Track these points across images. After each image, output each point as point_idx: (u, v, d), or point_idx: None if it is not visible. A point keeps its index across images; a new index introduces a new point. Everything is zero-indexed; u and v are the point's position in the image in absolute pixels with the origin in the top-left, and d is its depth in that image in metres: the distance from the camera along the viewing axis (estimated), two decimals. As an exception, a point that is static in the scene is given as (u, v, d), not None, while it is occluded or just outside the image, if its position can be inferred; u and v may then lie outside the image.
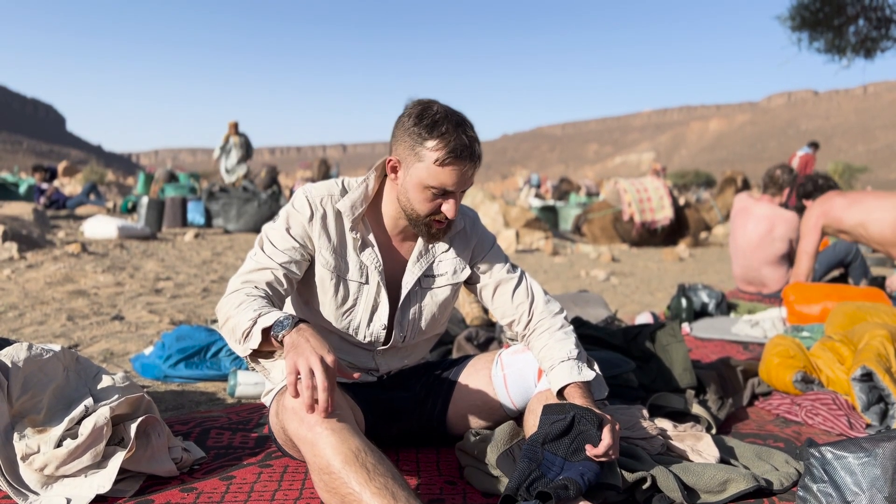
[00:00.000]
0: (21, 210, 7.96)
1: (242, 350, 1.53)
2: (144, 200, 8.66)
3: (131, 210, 10.92)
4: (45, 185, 10.92)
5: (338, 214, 1.73)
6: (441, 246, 1.83)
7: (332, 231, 1.73)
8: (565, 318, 1.83)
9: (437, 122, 1.58)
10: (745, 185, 10.88)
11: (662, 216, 10.33)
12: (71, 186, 18.87)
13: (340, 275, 1.73)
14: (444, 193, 1.64)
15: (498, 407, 1.82)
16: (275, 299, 1.62)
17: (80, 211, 10.50)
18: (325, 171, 18.40)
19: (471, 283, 1.90)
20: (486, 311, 3.49)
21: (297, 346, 1.39)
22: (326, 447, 1.35)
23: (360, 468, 1.31)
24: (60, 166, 24.16)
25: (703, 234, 11.11)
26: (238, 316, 1.51)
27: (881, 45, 12.34)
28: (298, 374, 1.36)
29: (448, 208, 1.65)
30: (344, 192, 1.75)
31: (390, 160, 1.69)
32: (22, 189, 11.34)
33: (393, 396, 1.87)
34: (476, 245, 1.87)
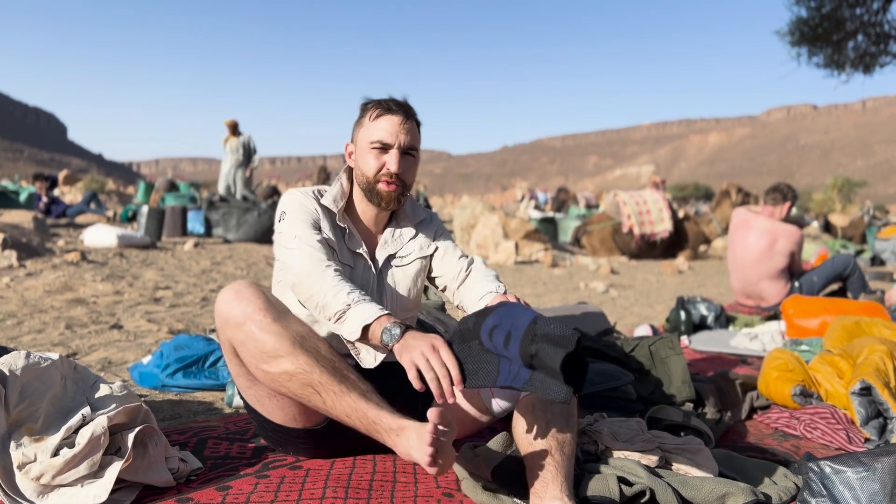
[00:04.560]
0: (21, 218, 7.97)
1: (334, 329, 1.65)
2: (144, 209, 8.68)
3: (131, 219, 10.93)
4: (45, 199, 10.92)
5: (324, 210, 1.87)
6: (408, 233, 1.98)
7: (324, 223, 1.86)
8: (498, 279, 1.93)
9: (379, 101, 1.83)
10: (744, 198, 10.89)
11: (662, 229, 10.35)
12: (71, 195, 18.87)
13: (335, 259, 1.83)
14: (384, 148, 1.79)
15: (485, 410, 1.81)
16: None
17: (80, 219, 10.50)
18: (324, 179, 18.39)
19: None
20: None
21: (406, 347, 1.53)
22: (268, 334, 1.49)
23: (308, 351, 1.45)
24: (61, 175, 24.18)
25: (702, 247, 11.12)
26: (328, 293, 1.64)
27: (880, 60, 12.43)
28: (417, 370, 1.48)
29: (390, 160, 1.80)
30: (320, 194, 1.91)
31: (347, 145, 1.91)
32: (22, 197, 11.36)
33: (385, 385, 1.86)
34: (436, 231, 2.05)
